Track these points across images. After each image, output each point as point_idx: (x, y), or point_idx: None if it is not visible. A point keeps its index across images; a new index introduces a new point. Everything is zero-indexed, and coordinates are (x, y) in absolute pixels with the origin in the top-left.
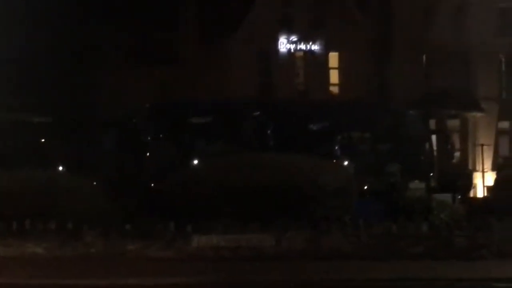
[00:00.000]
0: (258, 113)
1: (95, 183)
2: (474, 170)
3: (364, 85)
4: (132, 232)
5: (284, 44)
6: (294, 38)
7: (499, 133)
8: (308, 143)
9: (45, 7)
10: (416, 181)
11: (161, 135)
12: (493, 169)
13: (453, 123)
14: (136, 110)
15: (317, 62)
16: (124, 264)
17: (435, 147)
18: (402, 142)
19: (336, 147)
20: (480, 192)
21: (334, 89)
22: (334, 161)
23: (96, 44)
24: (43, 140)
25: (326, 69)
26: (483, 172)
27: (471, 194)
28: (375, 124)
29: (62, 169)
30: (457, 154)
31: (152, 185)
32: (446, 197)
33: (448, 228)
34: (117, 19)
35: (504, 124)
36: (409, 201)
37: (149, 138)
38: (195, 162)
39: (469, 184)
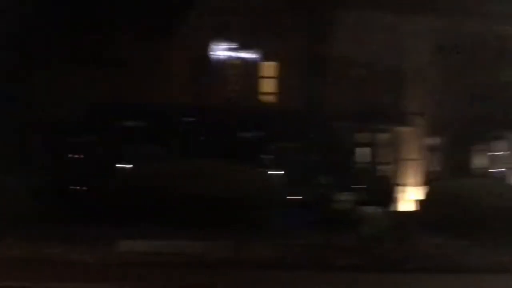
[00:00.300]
0: (190, 118)
1: (19, 184)
2: (402, 183)
3: (297, 97)
4: (56, 235)
5: (221, 50)
6: (231, 44)
7: (426, 148)
8: (239, 151)
9: None
10: (345, 193)
11: (90, 138)
12: (419, 183)
13: (382, 137)
14: (67, 112)
15: (251, 71)
16: (47, 267)
17: (364, 160)
18: (331, 153)
19: (267, 157)
20: (407, 205)
21: (268, 98)
22: (264, 170)
23: (31, 45)
24: None
25: (260, 78)
26: (410, 186)
27: (399, 207)
28: (307, 135)
29: None
30: (385, 167)
31: (79, 188)
32: (374, 209)
33: (375, 240)
34: (53, 21)
35: (431, 140)
36: (337, 212)
37: (78, 140)
38: (124, 166)
39: (397, 197)
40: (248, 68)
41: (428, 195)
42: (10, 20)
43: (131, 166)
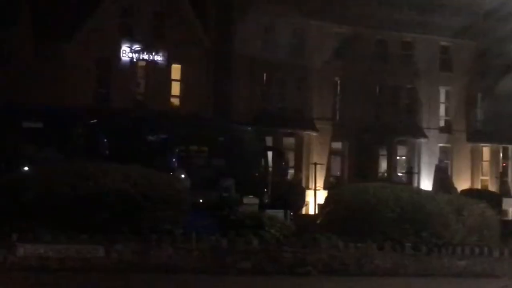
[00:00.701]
0: (92, 121)
1: None
2: (307, 187)
3: (204, 100)
4: None
5: (125, 53)
6: (135, 47)
7: (332, 153)
8: (143, 154)
9: None
10: (250, 197)
11: None
12: (324, 188)
13: (289, 141)
14: None
15: (158, 73)
16: None
17: (270, 164)
18: (237, 157)
19: (172, 160)
20: (311, 209)
21: (175, 101)
22: (169, 173)
23: None
24: None
25: (167, 80)
26: (315, 190)
27: (303, 211)
28: (212, 138)
29: None
30: (291, 171)
31: None
32: (278, 213)
33: (277, 243)
34: None
35: (337, 145)
36: (241, 215)
37: None
38: (23, 167)
39: (302, 201)
40: (157, 71)
41: (331, 198)
42: None
43: (29, 167)
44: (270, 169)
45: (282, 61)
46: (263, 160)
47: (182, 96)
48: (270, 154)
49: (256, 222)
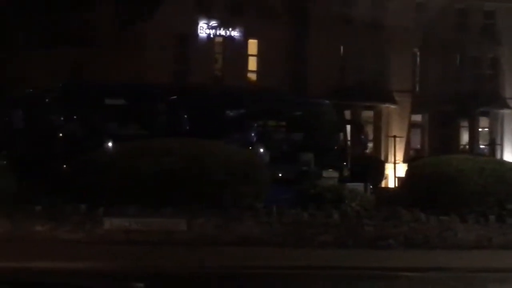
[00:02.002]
0: (173, 98)
1: (2, 163)
2: (386, 161)
3: (281, 74)
4: (42, 213)
5: (202, 29)
6: (212, 23)
7: (411, 125)
8: (222, 130)
9: None
10: (329, 170)
11: (73, 115)
12: (404, 161)
13: (367, 114)
14: (48, 90)
15: (235, 49)
16: (33, 246)
17: (349, 137)
18: (316, 131)
19: (251, 135)
20: (391, 182)
21: (252, 77)
22: (248, 148)
23: (12, 24)
24: None
25: (244, 56)
26: (394, 163)
27: (382, 185)
28: (290, 112)
29: None
30: (370, 144)
31: (64, 166)
32: (358, 186)
33: (358, 217)
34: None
35: (416, 117)
36: (321, 189)
37: (61, 118)
38: (108, 144)
39: (381, 174)
40: (232, 46)
41: (412, 171)
42: None
43: (113, 144)
44: (349, 142)
45: (360, 32)
46: (342, 134)
47: (259, 71)
48: (349, 127)
49: (337, 196)
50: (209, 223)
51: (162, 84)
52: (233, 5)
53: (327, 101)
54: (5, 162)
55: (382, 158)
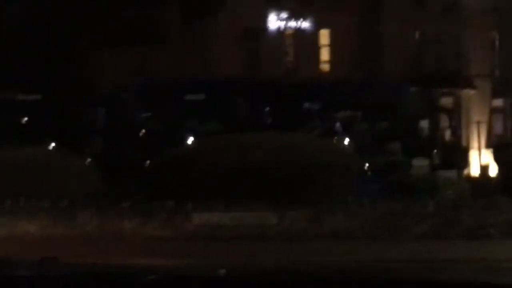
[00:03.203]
0: (252, 91)
1: (88, 160)
2: (471, 147)
3: (355, 63)
4: (129, 210)
5: (273, 21)
6: (283, 15)
7: (492, 111)
8: (304, 121)
9: None
10: (418, 158)
11: (156, 112)
12: (487, 147)
13: (446, 100)
14: (126, 88)
15: (307, 40)
16: (121, 243)
17: (437, 124)
18: (402, 118)
19: (335, 125)
20: (476, 169)
21: (325, 67)
22: (334, 138)
23: (81, 23)
24: (29, 118)
25: (316, 46)
26: (479, 150)
27: (472, 172)
28: (373, 100)
29: (53, 147)
30: (456, 131)
31: (149, 163)
32: (451, 174)
33: (454, 206)
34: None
35: (497, 102)
36: (414, 178)
37: (142, 115)
38: (192, 139)
39: (466, 162)
40: (303, 37)
41: (501, 158)
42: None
43: (196, 140)
44: (433, 129)
45: (434, 17)
46: (429, 120)
47: (332, 61)
48: (431, 114)
49: (430, 185)
50: (299, 217)
51: (239, 78)
52: None
53: (413, 87)
54: (90, 159)
55: (466, 144)
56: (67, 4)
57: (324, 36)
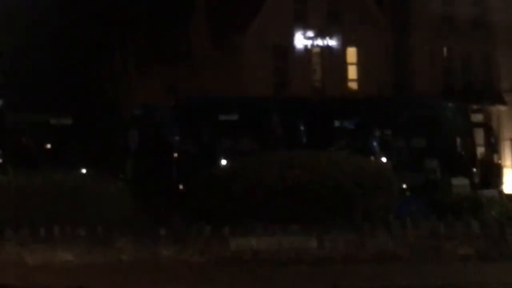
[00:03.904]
0: (286, 110)
1: (123, 186)
2: (505, 165)
3: (382, 80)
4: (166, 236)
5: (300, 39)
6: (310, 33)
7: None
8: (339, 140)
9: (57, 5)
10: (459, 177)
11: (189, 133)
12: None
13: (476, 117)
14: (158, 108)
15: (334, 58)
16: (158, 270)
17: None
18: (439, 136)
19: (372, 144)
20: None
21: (352, 85)
22: (370, 157)
23: (109, 43)
24: (62, 142)
25: (343, 64)
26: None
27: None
28: (411, 117)
29: (87, 172)
30: (491, 148)
31: (184, 186)
32: (494, 193)
33: (500, 226)
34: (128, 19)
35: None
36: (456, 198)
37: (176, 137)
38: (226, 161)
39: (501, 180)
40: (330, 56)
41: None
42: (88, 21)
43: (233, 160)
44: (468, 147)
45: (462, 32)
46: (467, 138)
47: (360, 79)
48: (471, 131)
49: (474, 204)
50: (340, 239)
51: (271, 97)
52: (329, 14)
53: (451, 103)
54: (122, 183)
55: (502, 161)
56: (97, 28)
57: (351, 54)
